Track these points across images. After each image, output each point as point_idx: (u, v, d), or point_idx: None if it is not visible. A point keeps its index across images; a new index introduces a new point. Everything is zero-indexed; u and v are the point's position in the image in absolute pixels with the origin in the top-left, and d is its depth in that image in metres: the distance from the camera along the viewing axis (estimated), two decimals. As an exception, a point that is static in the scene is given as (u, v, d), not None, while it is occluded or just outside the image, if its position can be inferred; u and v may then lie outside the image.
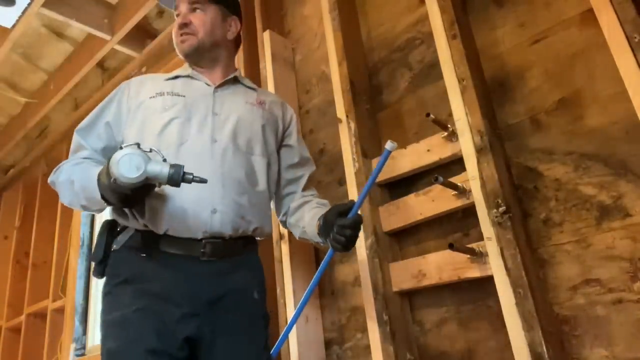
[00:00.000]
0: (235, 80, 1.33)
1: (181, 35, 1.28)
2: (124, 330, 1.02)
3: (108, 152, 1.20)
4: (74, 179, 1.13)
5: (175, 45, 1.30)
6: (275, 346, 1.24)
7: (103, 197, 1.05)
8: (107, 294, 1.11)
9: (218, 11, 1.32)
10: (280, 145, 1.35)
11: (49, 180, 1.23)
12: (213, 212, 1.12)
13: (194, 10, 1.29)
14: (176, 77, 1.29)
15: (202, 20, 1.28)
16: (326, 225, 1.14)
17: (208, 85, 1.27)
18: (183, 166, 0.96)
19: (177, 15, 1.31)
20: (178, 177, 0.94)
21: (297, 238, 1.35)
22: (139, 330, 1.01)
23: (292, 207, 1.33)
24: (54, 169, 1.23)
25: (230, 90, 1.30)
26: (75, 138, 1.24)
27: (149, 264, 1.09)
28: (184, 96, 1.22)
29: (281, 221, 1.39)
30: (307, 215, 1.26)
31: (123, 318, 1.03)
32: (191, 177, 0.96)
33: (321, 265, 1.21)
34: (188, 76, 1.29)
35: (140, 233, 1.12)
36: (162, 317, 1.03)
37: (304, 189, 1.35)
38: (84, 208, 1.16)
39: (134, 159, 0.92)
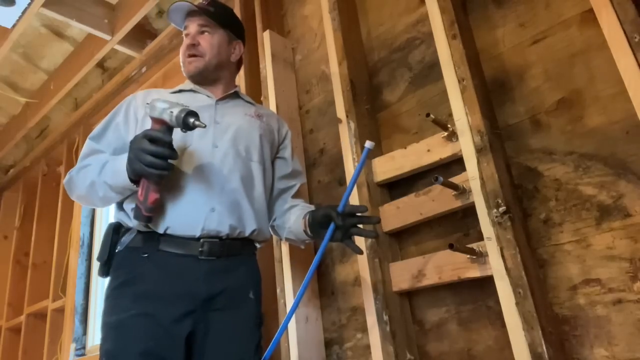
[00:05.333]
0: (236, 95, 1.41)
1: (189, 56, 1.33)
2: (121, 333, 1.08)
3: (118, 152, 1.24)
4: (107, 161, 1.19)
5: (182, 64, 1.36)
6: (269, 347, 1.23)
7: (130, 166, 1.09)
8: (107, 296, 1.16)
9: (225, 35, 1.38)
10: (275, 156, 1.43)
11: (65, 179, 1.27)
12: (211, 211, 1.18)
13: (202, 32, 1.34)
14: (180, 90, 1.36)
15: (210, 42, 1.34)
16: (315, 218, 1.21)
17: (210, 97, 1.35)
18: (190, 111, 1.06)
19: (186, 35, 1.36)
20: (180, 118, 1.05)
21: (283, 239, 1.41)
22: (134, 333, 1.07)
23: (280, 210, 1.40)
24: (69, 172, 1.28)
25: (230, 104, 1.38)
26: (89, 144, 1.29)
27: (148, 265, 1.14)
28: (188, 106, 1.25)
29: (270, 226, 1.43)
30: (293, 216, 1.33)
31: (120, 322, 1.09)
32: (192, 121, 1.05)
33: (325, 238, 1.15)
34: (191, 90, 1.36)
35: (141, 234, 1.17)
36: (158, 320, 1.08)
37: (293, 197, 1.43)
38: (109, 189, 1.16)
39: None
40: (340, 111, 1.57)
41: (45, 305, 3.09)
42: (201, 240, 1.16)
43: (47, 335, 2.99)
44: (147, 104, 1.08)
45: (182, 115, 1.04)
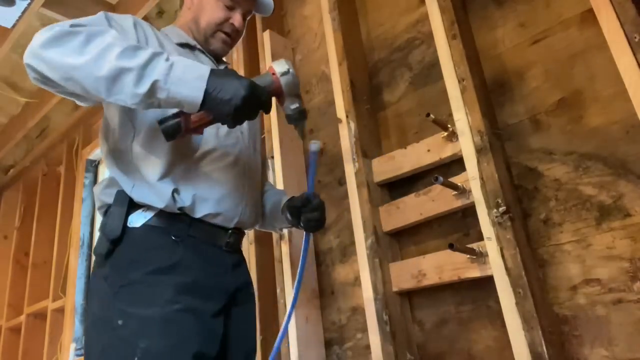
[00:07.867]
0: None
1: (229, 36, 1.24)
2: (168, 329, 0.93)
3: None
4: (172, 62, 0.92)
5: (213, 36, 1.22)
6: (273, 349, 1.24)
7: (207, 96, 0.90)
8: (136, 281, 0.96)
9: None
10: None
11: (57, 31, 0.96)
12: (246, 205, 1.16)
13: (245, 19, 1.27)
14: (187, 45, 1.21)
15: (243, 32, 1.29)
16: (292, 211, 1.23)
17: (212, 64, 1.24)
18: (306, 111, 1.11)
19: (232, 8, 1.22)
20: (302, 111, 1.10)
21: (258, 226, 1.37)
22: (184, 333, 0.94)
23: None
24: (69, 23, 0.99)
25: None
26: (102, 18, 1.13)
27: (185, 251, 1.02)
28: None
29: None
30: (268, 203, 1.33)
31: (165, 316, 0.93)
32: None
33: (302, 248, 1.24)
34: (195, 47, 1.23)
35: (166, 214, 1.02)
36: (202, 316, 0.98)
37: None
38: (151, 86, 0.89)
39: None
40: (340, 111, 1.57)
41: (45, 305, 3.09)
42: (229, 231, 1.11)
43: (47, 335, 2.99)
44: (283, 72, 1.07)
45: (303, 116, 1.10)
